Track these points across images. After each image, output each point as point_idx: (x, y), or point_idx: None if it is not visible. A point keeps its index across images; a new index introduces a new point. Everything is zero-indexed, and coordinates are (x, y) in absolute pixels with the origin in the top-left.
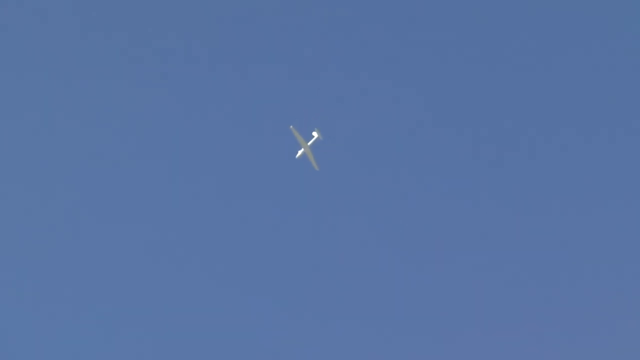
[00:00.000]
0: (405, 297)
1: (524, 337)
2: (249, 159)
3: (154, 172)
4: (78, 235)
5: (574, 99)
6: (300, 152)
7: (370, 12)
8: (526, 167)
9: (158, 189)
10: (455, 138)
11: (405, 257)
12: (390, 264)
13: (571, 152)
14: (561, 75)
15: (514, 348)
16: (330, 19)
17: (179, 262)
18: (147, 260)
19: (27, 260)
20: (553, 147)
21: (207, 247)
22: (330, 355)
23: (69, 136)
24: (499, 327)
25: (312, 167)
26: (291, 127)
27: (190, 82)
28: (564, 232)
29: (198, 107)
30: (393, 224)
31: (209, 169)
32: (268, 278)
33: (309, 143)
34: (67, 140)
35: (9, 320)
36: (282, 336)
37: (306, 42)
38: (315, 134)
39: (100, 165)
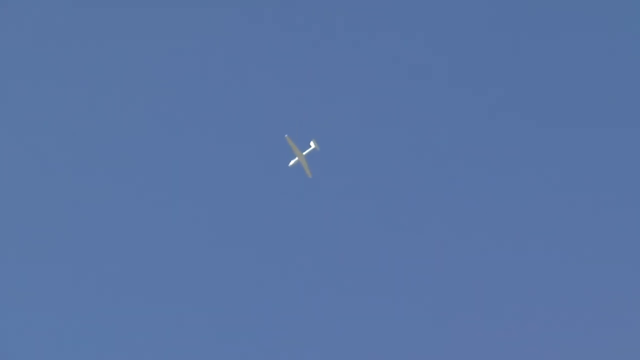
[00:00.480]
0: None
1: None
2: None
3: (153, 178)
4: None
5: (584, 93)
6: (294, 161)
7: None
8: (533, 164)
9: (157, 195)
10: (454, 136)
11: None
12: (392, 263)
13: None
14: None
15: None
16: (328, 24)
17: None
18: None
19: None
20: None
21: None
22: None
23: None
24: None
25: (305, 174)
26: (286, 136)
27: (185, 87)
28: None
29: (194, 114)
30: (392, 223)
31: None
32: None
33: (305, 153)
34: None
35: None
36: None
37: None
38: (312, 145)
39: (101, 166)
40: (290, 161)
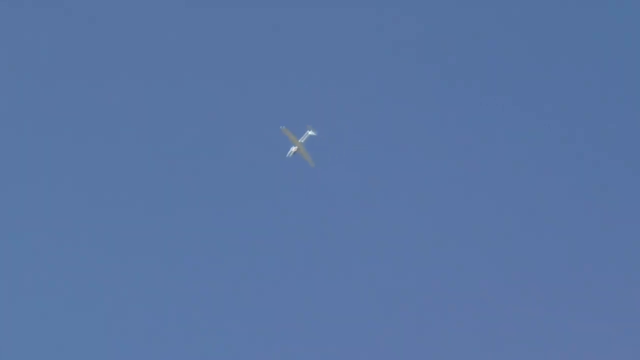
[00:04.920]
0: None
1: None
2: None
3: (150, 172)
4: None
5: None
6: (292, 150)
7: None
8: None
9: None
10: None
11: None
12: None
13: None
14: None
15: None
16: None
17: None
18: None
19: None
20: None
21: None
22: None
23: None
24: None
25: (307, 164)
26: (282, 127)
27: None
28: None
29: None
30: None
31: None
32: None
33: (302, 140)
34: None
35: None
36: None
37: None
38: (309, 131)
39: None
40: (287, 152)
